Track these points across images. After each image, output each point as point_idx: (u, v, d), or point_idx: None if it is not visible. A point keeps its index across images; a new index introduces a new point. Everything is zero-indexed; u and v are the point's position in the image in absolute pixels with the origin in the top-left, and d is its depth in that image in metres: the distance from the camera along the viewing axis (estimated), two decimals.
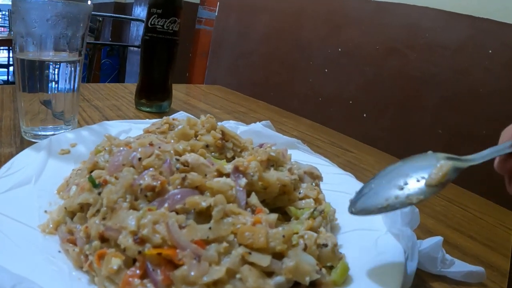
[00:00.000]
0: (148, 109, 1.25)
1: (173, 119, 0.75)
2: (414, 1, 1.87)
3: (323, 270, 0.48)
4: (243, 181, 0.54)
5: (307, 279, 0.44)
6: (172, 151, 0.57)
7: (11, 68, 6.56)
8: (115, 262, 0.43)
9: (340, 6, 2.24)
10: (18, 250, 0.46)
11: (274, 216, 0.50)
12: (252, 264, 0.43)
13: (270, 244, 0.45)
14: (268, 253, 0.45)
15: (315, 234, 0.52)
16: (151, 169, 0.52)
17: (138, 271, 0.42)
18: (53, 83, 0.87)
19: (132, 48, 5.16)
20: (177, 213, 0.47)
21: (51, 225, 0.53)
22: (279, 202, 0.60)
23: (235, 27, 3.10)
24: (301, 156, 0.85)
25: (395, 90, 1.94)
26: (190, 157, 0.55)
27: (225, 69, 3.20)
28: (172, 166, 0.53)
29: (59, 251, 0.49)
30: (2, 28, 7.70)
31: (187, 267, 0.41)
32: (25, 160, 0.66)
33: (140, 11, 5.37)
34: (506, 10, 1.55)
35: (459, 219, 0.88)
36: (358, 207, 0.53)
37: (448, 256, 0.63)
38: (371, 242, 0.58)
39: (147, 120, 0.95)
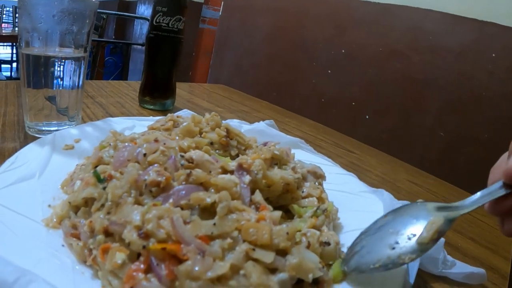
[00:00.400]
0: (151, 107, 1.25)
1: (177, 117, 0.76)
2: (418, 3, 1.87)
3: (325, 268, 0.49)
4: (247, 178, 0.54)
5: (310, 276, 0.45)
6: (177, 148, 0.57)
7: (14, 64, 6.59)
8: (119, 256, 0.43)
9: (344, 8, 2.24)
10: (22, 244, 0.46)
11: (278, 214, 0.50)
12: (256, 260, 0.44)
13: (274, 241, 0.45)
14: (272, 249, 0.45)
15: (318, 232, 0.52)
16: (156, 165, 0.53)
17: (142, 266, 0.43)
18: (58, 79, 0.87)
19: (135, 46, 5.17)
20: (182, 208, 0.48)
21: (54, 219, 0.53)
22: (282, 200, 0.60)
23: (238, 27, 3.10)
24: (304, 156, 0.85)
25: (397, 92, 1.95)
26: (195, 154, 0.55)
27: (228, 68, 3.20)
28: (177, 162, 0.54)
29: (63, 245, 0.49)
30: (6, 24, 7.70)
31: (191, 262, 0.41)
32: (29, 155, 0.66)
33: (144, 9, 5.37)
34: (511, 14, 1.55)
35: (460, 222, 0.88)
36: (351, 266, 0.51)
37: (449, 257, 0.63)
38: None
39: (151, 117, 0.95)
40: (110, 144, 0.62)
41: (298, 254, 0.46)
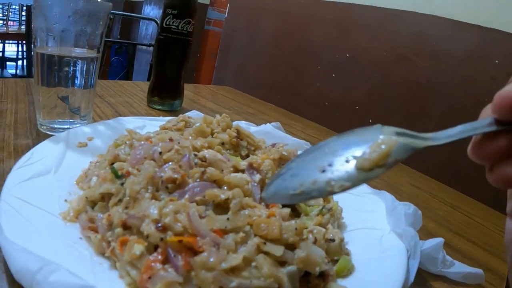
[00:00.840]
0: (160, 107, 1.27)
1: (188, 117, 0.78)
2: (423, 9, 1.89)
3: (330, 263, 0.51)
4: (257, 177, 0.57)
5: (317, 269, 0.47)
6: (190, 147, 0.60)
7: (19, 62, 6.61)
8: (138, 248, 0.46)
9: (349, 12, 2.26)
10: (41, 235, 0.48)
11: (287, 210, 0.53)
12: (266, 253, 0.46)
13: (283, 236, 0.48)
14: (281, 244, 0.48)
15: (323, 230, 0.55)
16: (171, 163, 0.55)
17: (159, 257, 0.45)
18: (72, 79, 0.89)
19: (140, 46, 5.18)
20: (197, 204, 0.51)
21: (71, 213, 0.55)
22: None
23: (244, 29, 3.12)
24: None
25: (401, 96, 1.96)
26: (208, 153, 0.58)
27: (233, 70, 3.22)
28: (190, 161, 0.57)
29: (80, 238, 0.52)
30: (12, 22, 7.73)
31: (207, 253, 0.44)
32: (45, 151, 0.69)
33: (150, 10, 5.39)
34: None
35: (460, 224, 0.90)
36: (269, 191, 0.40)
37: (448, 257, 0.65)
38: (375, 240, 0.61)
39: (161, 117, 0.98)
40: (125, 142, 0.65)
41: (305, 248, 0.48)
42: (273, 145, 0.76)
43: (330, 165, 0.37)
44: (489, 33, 1.62)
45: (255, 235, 0.48)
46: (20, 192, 0.55)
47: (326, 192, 0.36)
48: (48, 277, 0.40)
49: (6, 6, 7.69)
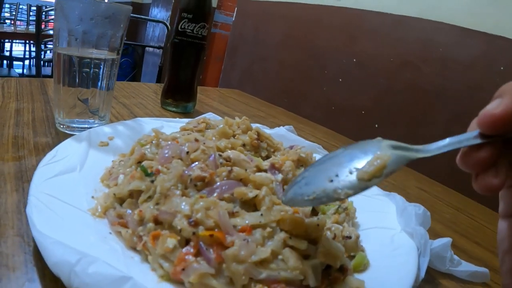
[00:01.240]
0: (174, 109, 1.30)
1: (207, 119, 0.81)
2: (430, 15, 1.91)
3: (347, 259, 0.55)
4: (279, 176, 0.60)
5: (338, 263, 0.50)
6: (215, 147, 0.63)
7: (26, 62, 6.64)
8: (171, 241, 0.48)
9: (357, 18, 2.28)
10: (73, 230, 0.50)
11: (309, 208, 0.57)
12: (292, 247, 0.50)
13: (307, 231, 0.51)
14: (305, 238, 0.51)
15: (340, 227, 0.59)
16: (197, 162, 0.58)
17: (192, 250, 0.48)
18: (93, 80, 0.91)
19: (147, 48, 5.21)
20: (226, 201, 0.54)
21: (99, 209, 0.57)
22: None
23: (251, 33, 3.14)
24: None
25: (407, 102, 1.98)
26: (232, 153, 0.61)
27: (240, 73, 3.23)
28: (216, 160, 0.59)
29: (110, 233, 0.54)
30: (19, 22, 7.76)
31: (238, 247, 0.47)
32: (68, 149, 0.71)
33: (158, 12, 5.42)
34: None
35: (466, 226, 0.92)
36: (288, 196, 0.47)
37: (455, 257, 0.68)
38: (387, 239, 0.64)
39: (178, 119, 1.01)
40: (152, 142, 0.68)
41: (327, 243, 0.51)
42: (291, 147, 0.79)
43: (337, 175, 0.44)
44: (494, 40, 1.64)
45: (281, 230, 0.51)
46: (48, 188, 0.56)
47: (334, 198, 0.43)
48: (87, 269, 0.41)
49: (14, 6, 7.72)
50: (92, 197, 0.61)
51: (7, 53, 6.68)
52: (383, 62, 2.10)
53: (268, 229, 0.51)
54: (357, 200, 0.71)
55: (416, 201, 0.75)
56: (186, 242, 0.50)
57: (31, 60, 6.68)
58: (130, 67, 5.22)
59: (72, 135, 0.81)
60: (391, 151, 0.43)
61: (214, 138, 0.71)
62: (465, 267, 0.68)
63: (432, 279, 0.66)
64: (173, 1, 4.96)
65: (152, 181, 0.57)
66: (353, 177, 0.43)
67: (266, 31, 2.98)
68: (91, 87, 0.92)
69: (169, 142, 0.64)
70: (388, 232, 0.66)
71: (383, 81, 2.10)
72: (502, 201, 0.42)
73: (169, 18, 4.96)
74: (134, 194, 0.58)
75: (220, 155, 0.61)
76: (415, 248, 0.62)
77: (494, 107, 0.37)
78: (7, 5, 7.46)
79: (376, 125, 2.11)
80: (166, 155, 0.61)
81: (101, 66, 0.92)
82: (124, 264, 0.47)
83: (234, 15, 3.39)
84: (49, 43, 3.95)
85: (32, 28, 6.36)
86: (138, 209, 0.54)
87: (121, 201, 0.59)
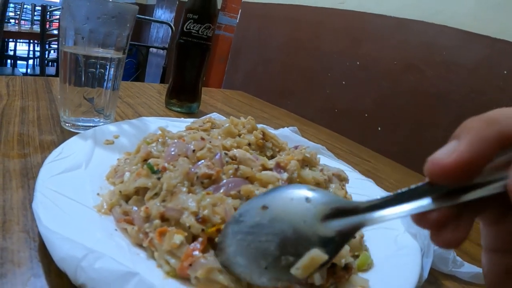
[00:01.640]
0: (178, 109, 1.31)
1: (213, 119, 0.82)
2: (433, 19, 1.91)
3: (352, 258, 0.55)
4: (285, 175, 0.61)
5: (343, 261, 0.51)
6: (220, 146, 0.64)
7: (30, 61, 6.66)
8: (178, 238, 0.49)
9: (360, 20, 2.28)
10: (79, 226, 0.51)
11: None
12: None
13: None
14: None
15: None
16: (203, 160, 0.59)
17: (199, 246, 0.49)
18: (99, 79, 0.92)
19: (151, 49, 5.23)
20: (232, 198, 0.54)
21: (105, 206, 0.58)
22: None
23: (255, 35, 3.14)
24: (326, 161, 0.91)
25: (410, 105, 1.98)
26: (238, 152, 0.62)
27: (243, 75, 3.24)
28: (222, 159, 0.60)
29: (116, 230, 0.54)
30: (23, 22, 7.78)
31: None
32: (74, 147, 0.71)
33: (162, 13, 5.44)
34: None
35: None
36: (221, 260, 0.47)
37: (458, 258, 0.68)
38: (391, 239, 0.64)
39: (182, 119, 1.01)
40: (158, 140, 0.68)
41: None
42: (296, 147, 0.80)
43: (266, 268, 0.42)
44: (498, 44, 1.64)
45: None
46: (54, 184, 0.57)
47: (270, 285, 0.42)
48: (93, 264, 0.42)
49: (18, 5, 7.75)
50: (98, 194, 0.62)
51: (11, 53, 6.70)
52: (387, 65, 2.10)
53: None
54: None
55: None
56: (192, 238, 0.51)
57: (35, 59, 6.70)
58: (133, 68, 5.23)
59: (77, 133, 0.81)
60: (325, 237, 0.40)
61: (219, 137, 0.71)
62: (467, 269, 0.68)
63: (435, 280, 0.67)
64: (177, 2, 4.98)
65: (159, 178, 0.57)
66: (285, 271, 0.41)
67: (269, 33, 2.98)
68: (97, 86, 0.93)
69: (176, 141, 0.65)
70: (391, 232, 0.66)
71: (386, 84, 2.10)
72: (483, 236, 0.38)
73: (173, 19, 4.98)
74: (140, 191, 0.59)
75: (226, 154, 0.62)
76: (419, 248, 0.62)
77: (445, 154, 0.33)
78: (11, 5, 7.49)
79: (379, 128, 2.11)
80: (173, 153, 0.61)
81: (107, 66, 0.92)
82: (130, 261, 0.47)
83: (238, 17, 3.40)
84: (53, 42, 3.97)
85: (36, 28, 6.39)
86: (144, 206, 0.55)
87: (126, 198, 0.60)
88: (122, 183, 0.63)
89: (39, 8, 6.11)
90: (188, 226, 0.50)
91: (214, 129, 0.77)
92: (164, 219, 0.52)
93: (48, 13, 3.50)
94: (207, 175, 0.56)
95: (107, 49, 0.91)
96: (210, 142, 0.63)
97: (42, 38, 3.47)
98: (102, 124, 0.92)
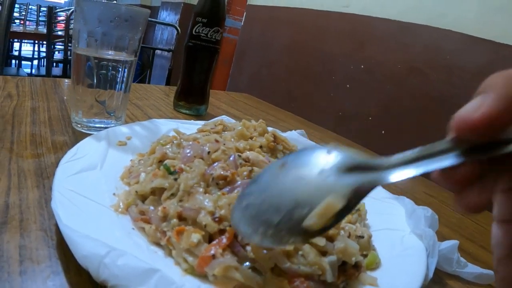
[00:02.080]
0: (186, 111, 1.32)
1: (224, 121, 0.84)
2: (437, 23, 1.92)
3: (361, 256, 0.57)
4: None
5: (353, 259, 0.53)
6: (234, 148, 0.66)
7: (35, 62, 6.68)
8: (195, 236, 0.51)
9: (364, 24, 2.29)
10: (98, 225, 0.52)
11: None
12: (311, 243, 0.52)
13: None
14: (323, 236, 0.53)
15: (354, 226, 0.61)
16: (218, 162, 0.61)
17: (224, 240, 0.51)
18: (111, 81, 0.94)
19: (156, 51, 5.24)
20: None
21: (122, 206, 0.60)
22: None
23: (259, 38, 3.16)
24: None
25: (414, 108, 1.99)
26: (251, 154, 0.64)
27: (248, 78, 3.25)
28: (236, 161, 0.62)
29: (133, 228, 0.56)
30: (28, 22, 7.80)
31: None
32: (88, 148, 0.73)
33: (166, 15, 5.45)
34: None
35: (472, 231, 0.94)
36: (234, 221, 0.47)
37: (462, 259, 0.70)
38: (397, 240, 0.66)
39: (192, 121, 1.03)
40: (173, 142, 0.70)
41: (343, 241, 0.54)
42: None
43: (279, 222, 0.40)
44: (501, 48, 1.65)
45: None
46: (71, 184, 0.59)
47: (281, 244, 0.42)
48: (116, 261, 0.43)
49: (24, 6, 7.77)
50: (114, 194, 0.63)
51: (16, 53, 6.72)
52: (391, 68, 2.12)
53: None
54: (367, 203, 0.74)
55: (423, 205, 0.77)
56: (209, 237, 0.53)
57: (40, 60, 6.72)
58: (138, 69, 5.24)
59: (88, 134, 0.83)
60: (345, 186, 0.37)
61: (232, 140, 0.73)
62: (471, 269, 0.70)
63: (440, 280, 0.68)
64: (182, 4, 4.99)
65: (175, 179, 0.59)
66: (299, 226, 0.39)
67: (274, 36, 3.00)
68: (108, 89, 0.94)
69: (191, 142, 0.67)
70: (397, 233, 0.68)
71: (390, 87, 2.12)
72: (497, 204, 0.36)
73: (178, 21, 4.99)
74: (156, 192, 0.61)
75: (239, 156, 0.64)
76: (424, 249, 0.64)
77: (472, 109, 0.32)
78: (16, 5, 7.49)
79: (383, 131, 2.13)
80: (189, 154, 0.63)
81: (120, 68, 0.94)
82: (150, 258, 0.49)
83: (243, 20, 3.41)
84: (58, 43, 3.98)
85: (41, 29, 6.41)
86: (162, 206, 0.57)
87: (142, 198, 0.61)
88: (137, 184, 0.64)
89: (44, 8, 6.11)
90: (204, 225, 0.52)
91: (226, 132, 0.79)
92: (181, 218, 0.54)
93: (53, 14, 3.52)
94: (222, 176, 0.58)
95: (119, 52, 0.93)
96: (224, 144, 0.65)
97: (48, 39, 3.49)
98: (113, 126, 0.94)
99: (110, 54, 0.92)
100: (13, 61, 6.57)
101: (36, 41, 6.75)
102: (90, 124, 0.96)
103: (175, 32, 3.36)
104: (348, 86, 2.35)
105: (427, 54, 1.97)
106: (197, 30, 1.23)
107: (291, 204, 0.40)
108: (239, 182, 0.58)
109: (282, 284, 0.49)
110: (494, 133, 0.31)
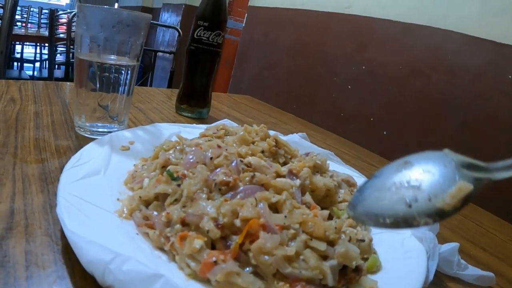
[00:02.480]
0: (188, 115, 1.33)
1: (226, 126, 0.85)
2: (439, 24, 1.92)
3: (362, 260, 0.58)
4: (297, 182, 0.64)
5: (354, 263, 0.54)
6: (236, 154, 0.67)
7: (37, 64, 6.69)
8: (198, 242, 0.51)
9: (366, 25, 2.30)
10: (102, 230, 0.53)
11: (326, 212, 0.61)
12: (312, 248, 0.53)
13: (326, 233, 0.55)
14: (324, 240, 0.55)
15: (355, 230, 0.62)
16: (220, 168, 0.62)
17: (219, 250, 0.52)
18: (113, 86, 0.95)
19: (158, 53, 5.25)
20: None
21: (125, 211, 0.60)
22: (323, 203, 0.69)
23: (261, 39, 3.16)
24: (335, 167, 0.92)
25: (416, 109, 1.99)
26: (253, 160, 0.65)
27: (249, 79, 3.25)
28: (238, 166, 0.63)
29: (137, 234, 0.57)
30: (30, 25, 7.82)
31: (263, 239, 0.51)
32: (92, 153, 0.74)
33: (168, 17, 5.45)
34: None
35: (473, 233, 0.95)
36: (358, 212, 0.47)
37: (462, 261, 0.70)
38: (398, 243, 0.66)
39: (194, 125, 1.04)
40: (176, 148, 0.71)
41: (344, 245, 0.55)
42: (307, 154, 0.82)
43: (416, 200, 0.41)
44: (502, 49, 1.66)
45: (303, 232, 0.55)
46: (76, 190, 0.59)
47: (412, 226, 0.42)
48: (121, 266, 0.44)
49: (25, 9, 7.78)
50: (117, 199, 0.64)
51: (18, 55, 6.74)
52: (392, 69, 2.12)
53: (292, 231, 0.54)
54: None
55: None
56: (212, 242, 0.53)
57: (42, 62, 6.74)
58: (140, 72, 5.25)
59: (91, 138, 0.85)
60: (470, 177, 0.40)
61: (234, 145, 0.74)
62: (471, 271, 0.70)
63: (440, 282, 0.69)
64: (183, 6, 5.00)
65: (179, 185, 0.60)
66: (432, 205, 0.40)
67: (276, 38, 3.00)
68: (111, 93, 0.95)
69: (193, 148, 0.68)
70: (398, 236, 0.68)
71: (392, 88, 2.12)
72: None
73: (179, 23, 5.00)
74: (160, 197, 0.62)
75: (241, 161, 0.65)
76: (425, 251, 0.64)
77: None
78: (18, 8, 7.50)
79: (385, 132, 2.13)
80: (191, 160, 0.64)
81: (122, 73, 0.95)
82: (154, 263, 0.50)
83: (244, 21, 3.42)
84: (59, 45, 3.99)
85: (43, 31, 6.43)
86: (165, 211, 0.57)
87: (146, 203, 0.62)
88: (141, 189, 0.65)
89: (46, 11, 6.12)
90: (207, 230, 0.53)
91: (228, 136, 0.79)
92: (184, 224, 0.55)
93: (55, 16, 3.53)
94: (225, 182, 0.59)
95: (121, 57, 0.94)
96: (226, 149, 0.66)
97: (50, 41, 3.50)
98: (116, 130, 0.96)
99: (112, 59, 0.93)
100: (15, 64, 6.60)
101: (38, 44, 6.76)
102: (93, 129, 0.97)
103: (177, 33, 3.37)
104: (349, 87, 2.35)
105: (428, 55, 1.97)
106: (198, 34, 1.24)
107: (429, 183, 0.42)
108: (241, 188, 0.59)
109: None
110: None
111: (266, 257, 0.50)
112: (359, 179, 0.92)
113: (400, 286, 0.57)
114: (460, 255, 0.71)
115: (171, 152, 0.70)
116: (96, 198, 0.60)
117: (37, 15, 7.68)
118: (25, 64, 6.71)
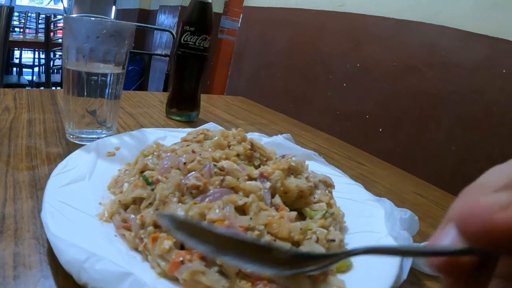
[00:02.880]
0: (178, 118, 1.35)
1: (207, 130, 0.86)
2: (433, 20, 1.92)
3: None
4: (267, 184, 0.66)
5: None
6: (210, 158, 0.69)
7: (36, 69, 6.72)
8: (167, 243, 0.54)
9: (360, 23, 2.30)
10: (83, 233, 0.56)
11: (293, 213, 0.62)
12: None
13: (291, 234, 0.57)
14: (289, 241, 0.57)
15: (325, 231, 0.63)
16: (193, 172, 0.64)
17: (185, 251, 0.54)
18: (100, 93, 0.97)
19: (155, 55, 5.27)
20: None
21: (106, 215, 0.63)
22: (297, 204, 0.71)
23: (257, 39, 3.17)
24: (317, 167, 0.95)
25: (411, 106, 1.99)
26: (226, 163, 0.67)
27: (246, 79, 3.26)
28: (211, 170, 0.65)
29: (115, 235, 0.60)
30: (28, 30, 7.84)
31: None
32: (78, 160, 0.77)
33: (164, 19, 5.46)
34: None
35: None
36: None
37: None
38: (373, 242, 0.68)
39: (180, 129, 1.05)
40: (153, 153, 0.73)
41: (308, 245, 0.57)
42: (283, 156, 0.84)
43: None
44: (497, 43, 1.65)
45: (268, 233, 0.57)
46: (61, 195, 0.63)
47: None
48: (94, 266, 0.47)
49: (23, 14, 7.80)
50: (100, 203, 0.67)
51: (17, 61, 6.76)
52: (387, 66, 2.12)
53: (256, 232, 0.56)
54: (347, 205, 0.76)
55: (412, 206, 0.77)
56: (182, 243, 0.56)
57: (40, 67, 6.77)
58: (137, 75, 5.28)
59: (81, 145, 0.87)
60: None
61: (210, 149, 0.76)
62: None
63: (417, 281, 0.70)
64: (179, 7, 5.01)
65: (153, 189, 0.63)
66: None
67: (271, 37, 3.01)
68: (99, 99, 0.98)
69: (169, 154, 0.70)
70: (374, 235, 0.70)
71: (387, 85, 2.12)
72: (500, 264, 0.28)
73: (176, 24, 5.01)
74: (137, 201, 0.64)
75: (215, 165, 0.66)
76: None
77: (495, 204, 0.23)
78: (15, 13, 7.52)
79: (380, 129, 2.13)
80: (166, 165, 0.67)
81: (108, 80, 0.97)
82: (128, 263, 0.53)
83: (240, 21, 3.43)
84: (58, 50, 4.01)
85: (41, 36, 6.44)
86: (140, 214, 0.61)
87: (125, 207, 0.65)
88: (121, 193, 0.68)
89: (43, 16, 6.15)
90: None
91: (208, 140, 0.81)
92: (156, 226, 0.58)
93: (52, 23, 3.54)
94: (195, 186, 0.61)
95: (107, 65, 0.96)
96: (200, 154, 0.68)
97: (46, 47, 3.52)
98: (104, 136, 0.98)
99: (98, 67, 0.96)
100: (14, 69, 6.62)
101: (36, 49, 6.79)
102: (82, 135, 0.99)
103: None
104: (345, 85, 2.36)
105: (423, 52, 1.97)
106: (185, 39, 1.25)
107: None
108: (211, 191, 0.61)
109: (246, 287, 0.51)
110: None
111: None
112: (342, 178, 0.94)
113: (369, 285, 0.58)
114: None
115: (149, 157, 0.73)
116: (79, 202, 0.64)
117: (35, 20, 7.71)
118: (24, 70, 6.72)
